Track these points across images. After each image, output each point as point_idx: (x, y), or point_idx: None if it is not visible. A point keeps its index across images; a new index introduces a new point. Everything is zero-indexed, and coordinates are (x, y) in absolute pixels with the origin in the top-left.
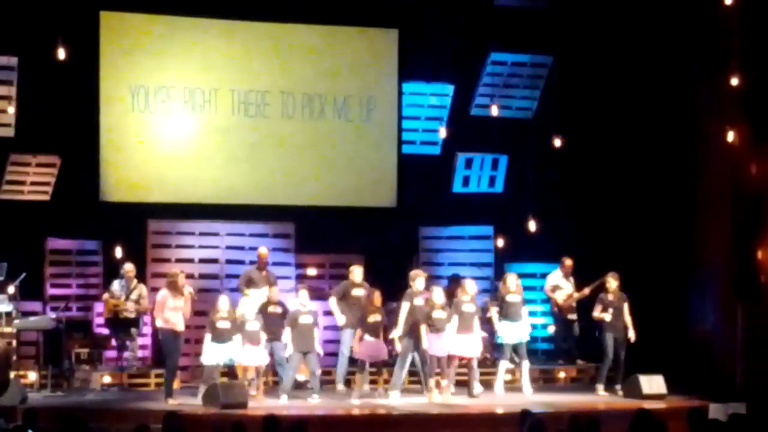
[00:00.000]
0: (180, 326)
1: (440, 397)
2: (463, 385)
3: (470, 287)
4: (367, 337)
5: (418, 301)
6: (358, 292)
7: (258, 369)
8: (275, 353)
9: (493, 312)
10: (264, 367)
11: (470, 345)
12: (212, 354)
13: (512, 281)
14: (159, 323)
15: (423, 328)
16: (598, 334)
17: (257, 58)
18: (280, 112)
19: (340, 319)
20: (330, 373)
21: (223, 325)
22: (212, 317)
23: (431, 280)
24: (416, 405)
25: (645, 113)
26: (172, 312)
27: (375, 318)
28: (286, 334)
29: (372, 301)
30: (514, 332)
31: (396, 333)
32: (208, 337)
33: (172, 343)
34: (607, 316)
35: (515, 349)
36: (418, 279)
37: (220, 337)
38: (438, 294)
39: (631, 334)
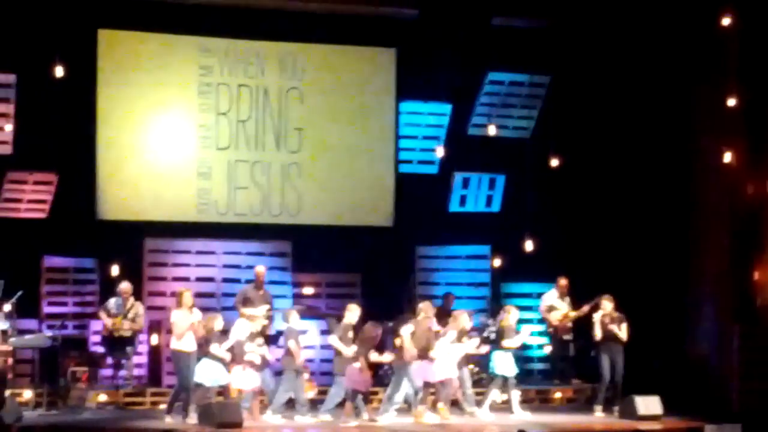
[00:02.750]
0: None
1: (435, 418)
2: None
3: (465, 322)
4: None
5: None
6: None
7: (254, 390)
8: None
9: (494, 334)
10: (258, 388)
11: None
12: (207, 374)
13: (515, 315)
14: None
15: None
16: (594, 354)
17: (254, 76)
18: (276, 131)
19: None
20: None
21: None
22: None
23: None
24: (410, 425)
25: (642, 133)
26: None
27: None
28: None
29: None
30: (508, 364)
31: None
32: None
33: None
34: (616, 329)
35: (506, 379)
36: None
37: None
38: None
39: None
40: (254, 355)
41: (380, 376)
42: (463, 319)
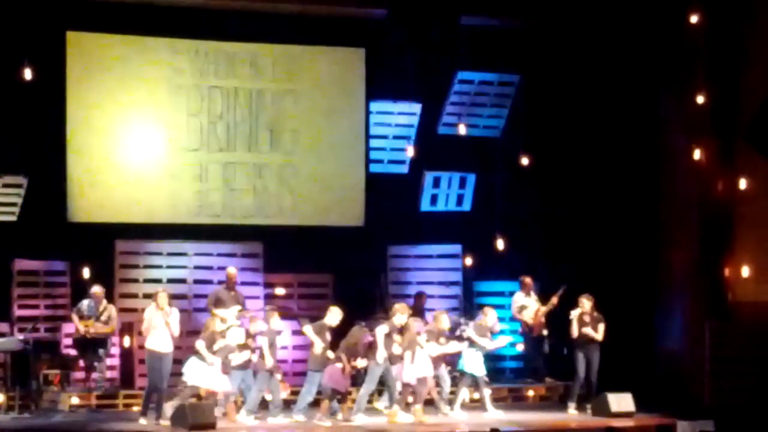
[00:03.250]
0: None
1: (409, 418)
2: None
3: (444, 323)
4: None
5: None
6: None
7: (226, 393)
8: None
9: (470, 332)
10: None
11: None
12: (194, 373)
13: (493, 317)
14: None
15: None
16: (566, 352)
17: (224, 77)
18: (247, 132)
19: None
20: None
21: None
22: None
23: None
24: (383, 425)
25: (612, 131)
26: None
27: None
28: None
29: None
30: (477, 363)
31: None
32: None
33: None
34: (597, 336)
35: (476, 379)
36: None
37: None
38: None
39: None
40: (239, 359)
41: (354, 376)
42: (443, 319)
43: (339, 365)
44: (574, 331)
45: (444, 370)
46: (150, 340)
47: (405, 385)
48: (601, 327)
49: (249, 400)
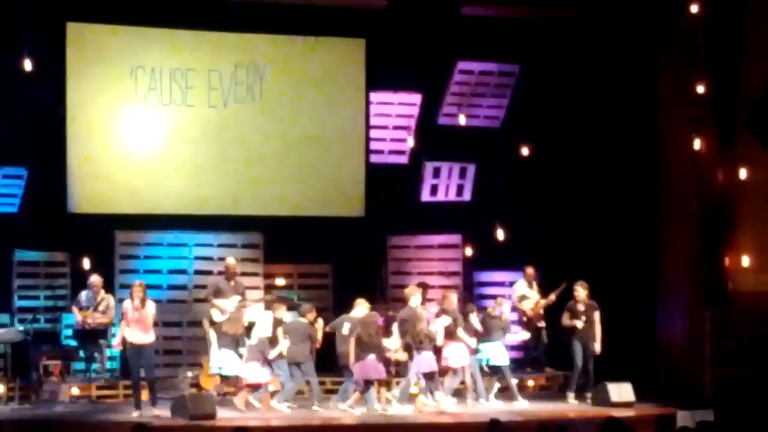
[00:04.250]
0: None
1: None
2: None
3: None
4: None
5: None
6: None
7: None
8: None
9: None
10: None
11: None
12: (221, 361)
13: (507, 308)
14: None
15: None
16: (566, 341)
17: (225, 68)
18: (248, 123)
19: None
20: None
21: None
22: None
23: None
24: (384, 415)
25: (612, 121)
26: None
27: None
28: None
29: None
30: (503, 354)
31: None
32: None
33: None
34: (579, 323)
35: (501, 369)
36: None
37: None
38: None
39: (597, 347)
40: (275, 353)
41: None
42: (453, 298)
43: (371, 357)
44: (565, 320)
45: (474, 359)
46: (128, 332)
47: (429, 374)
48: (597, 315)
49: (285, 390)
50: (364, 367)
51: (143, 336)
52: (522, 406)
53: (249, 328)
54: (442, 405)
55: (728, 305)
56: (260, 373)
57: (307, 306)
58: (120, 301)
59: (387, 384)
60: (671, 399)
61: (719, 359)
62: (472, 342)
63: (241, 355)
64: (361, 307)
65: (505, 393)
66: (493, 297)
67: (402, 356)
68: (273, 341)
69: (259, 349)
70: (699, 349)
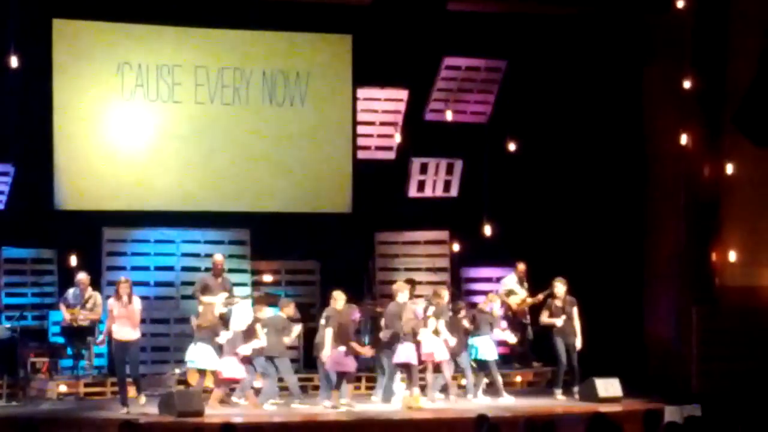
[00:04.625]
0: (127, 336)
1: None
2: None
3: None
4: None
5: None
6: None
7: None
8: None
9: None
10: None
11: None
12: (197, 356)
13: (497, 304)
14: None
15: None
16: (549, 338)
17: (211, 64)
18: (235, 119)
19: None
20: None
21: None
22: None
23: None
24: (371, 411)
25: (599, 116)
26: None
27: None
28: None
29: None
30: (491, 349)
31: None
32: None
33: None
34: (558, 321)
35: (489, 364)
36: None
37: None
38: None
39: (578, 342)
40: (247, 348)
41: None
42: (444, 294)
43: (341, 349)
44: (543, 319)
45: (465, 355)
46: (114, 329)
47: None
48: (575, 310)
49: (265, 389)
50: (335, 359)
51: (130, 332)
52: (507, 402)
53: (226, 321)
54: (423, 402)
55: (715, 300)
56: (236, 368)
57: (285, 300)
58: (107, 298)
59: (357, 379)
60: (659, 394)
61: (706, 354)
62: (452, 340)
63: (221, 347)
64: (339, 301)
65: (490, 388)
66: (482, 293)
67: (369, 352)
68: (248, 335)
69: (235, 344)
70: (686, 344)
